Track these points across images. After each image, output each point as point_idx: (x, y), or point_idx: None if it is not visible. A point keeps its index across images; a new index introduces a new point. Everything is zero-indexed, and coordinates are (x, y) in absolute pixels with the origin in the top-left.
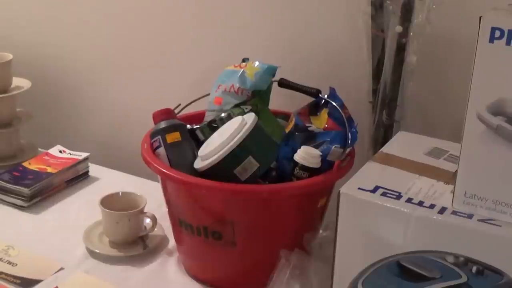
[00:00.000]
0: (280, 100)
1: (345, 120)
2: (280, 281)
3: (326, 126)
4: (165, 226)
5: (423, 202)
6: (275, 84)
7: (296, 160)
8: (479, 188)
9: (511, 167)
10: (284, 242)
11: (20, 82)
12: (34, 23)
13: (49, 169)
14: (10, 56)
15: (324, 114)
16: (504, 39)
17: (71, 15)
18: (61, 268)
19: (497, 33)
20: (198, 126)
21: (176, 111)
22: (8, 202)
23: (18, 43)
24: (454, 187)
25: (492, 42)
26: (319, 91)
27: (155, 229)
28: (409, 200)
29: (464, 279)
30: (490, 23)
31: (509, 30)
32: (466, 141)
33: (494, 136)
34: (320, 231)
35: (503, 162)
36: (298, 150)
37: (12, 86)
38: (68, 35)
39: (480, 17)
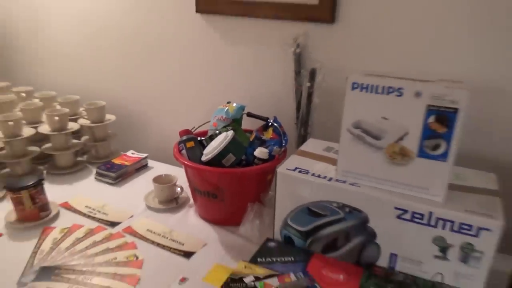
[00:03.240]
0: (247, 123)
1: (281, 133)
2: (248, 219)
3: (271, 136)
4: (188, 192)
5: (320, 175)
6: (244, 115)
7: (255, 155)
8: (349, 167)
9: (365, 156)
10: (250, 199)
11: (109, 117)
12: (116, 83)
13: (126, 163)
14: (104, 103)
15: (270, 130)
16: (359, 88)
17: (136, 76)
18: (132, 216)
19: (355, 85)
20: (204, 138)
21: (192, 130)
22: (104, 181)
23: (108, 95)
24: (336, 167)
25: (353, 90)
26: (268, 118)
27: (182, 193)
28: (313, 174)
29: (342, 215)
30: (351, 79)
31: (361, 83)
32: (341, 143)
33: (356, 140)
34: (270, 192)
35: (361, 153)
36: (256, 149)
37: (106, 118)
38: (134, 90)
39: (347, 77)
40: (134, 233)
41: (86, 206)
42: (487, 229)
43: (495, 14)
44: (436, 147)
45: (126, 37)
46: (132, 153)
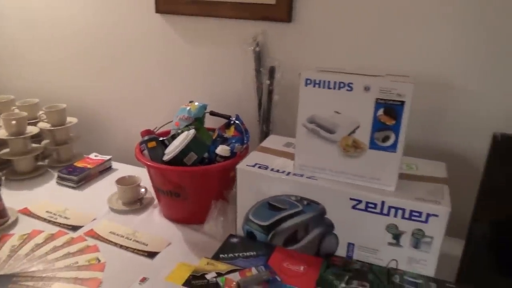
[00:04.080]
0: (210, 122)
1: (243, 130)
2: (212, 217)
3: (233, 134)
4: (152, 192)
5: (279, 170)
6: (207, 114)
7: (217, 153)
8: (306, 161)
9: (320, 149)
10: (213, 197)
11: (71, 119)
12: (77, 85)
13: (89, 166)
14: (65, 105)
15: (232, 128)
16: (312, 84)
17: (97, 77)
18: (95, 218)
19: (308, 81)
20: (166, 138)
21: (154, 130)
22: (66, 184)
23: (69, 97)
24: (294, 161)
25: (306, 86)
26: (230, 116)
27: (146, 194)
28: (272, 170)
29: (300, 208)
30: (304, 75)
31: (314, 79)
32: (298, 138)
33: (311, 134)
34: (233, 189)
35: (316, 147)
36: (218, 147)
37: (67, 121)
38: (96, 91)
39: (299, 73)
40: (96, 236)
41: (47, 211)
42: (435, 215)
43: (443, 10)
44: (385, 138)
45: (86, 38)
46: (95, 156)
